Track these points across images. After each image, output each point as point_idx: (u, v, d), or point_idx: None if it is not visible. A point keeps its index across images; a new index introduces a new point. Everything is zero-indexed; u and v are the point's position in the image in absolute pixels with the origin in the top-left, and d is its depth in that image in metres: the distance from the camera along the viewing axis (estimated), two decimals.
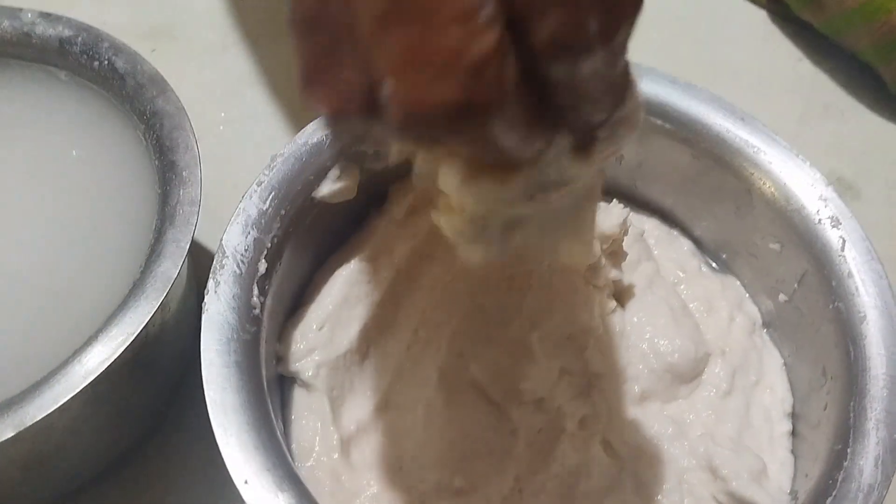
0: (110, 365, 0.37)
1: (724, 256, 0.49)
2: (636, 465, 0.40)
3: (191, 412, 0.48)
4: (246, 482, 0.34)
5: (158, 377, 0.46)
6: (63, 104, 0.47)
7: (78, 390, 0.36)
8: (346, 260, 0.46)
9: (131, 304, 0.38)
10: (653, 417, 0.42)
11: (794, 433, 0.43)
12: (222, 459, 0.35)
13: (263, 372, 0.39)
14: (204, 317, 0.38)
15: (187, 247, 0.40)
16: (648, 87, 0.46)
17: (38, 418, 0.35)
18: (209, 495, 0.46)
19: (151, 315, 0.38)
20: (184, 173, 0.42)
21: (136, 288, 0.39)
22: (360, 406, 0.44)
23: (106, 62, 0.46)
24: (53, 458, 0.42)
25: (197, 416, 0.46)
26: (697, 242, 0.50)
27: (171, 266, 0.39)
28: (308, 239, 0.44)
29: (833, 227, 0.42)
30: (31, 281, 0.42)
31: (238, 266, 0.40)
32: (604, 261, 0.42)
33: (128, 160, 0.45)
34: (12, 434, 0.35)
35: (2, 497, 0.43)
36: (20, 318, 0.41)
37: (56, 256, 0.43)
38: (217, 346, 0.38)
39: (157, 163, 0.43)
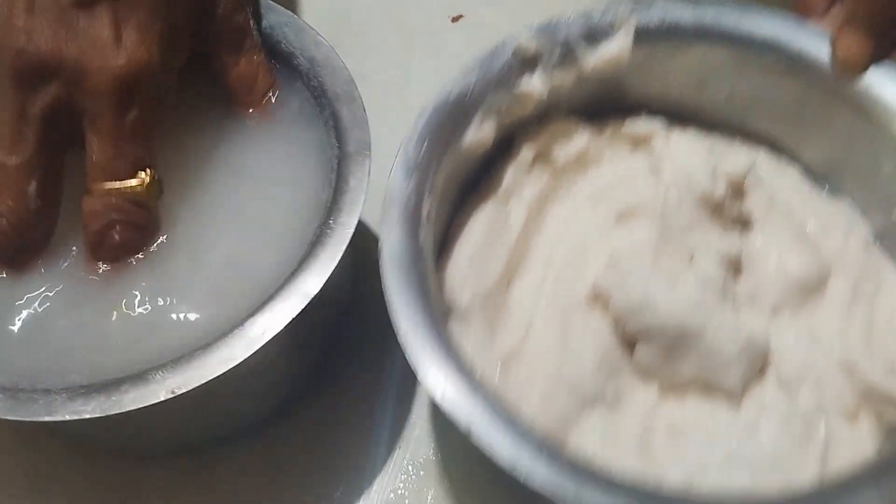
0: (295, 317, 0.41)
1: (833, 179, 0.52)
2: (776, 367, 0.44)
3: (339, 380, 0.52)
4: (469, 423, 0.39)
5: (315, 342, 0.52)
6: None
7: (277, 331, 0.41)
8: (481, 202, 0.50)
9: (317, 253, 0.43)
10: (785, 328, 0.45)
11: None
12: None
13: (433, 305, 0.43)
14: (384, 254, 0.42)
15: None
16: (763, 25, 0.49)
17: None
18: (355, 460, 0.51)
19: (336, 264, 0.43)
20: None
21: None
22: (509, 333, 0.47)
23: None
24: (229, 397, 0.46)
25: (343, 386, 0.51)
26: (807, 167, 0.52)
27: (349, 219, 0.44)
28: (452, 183, 0.48)
29: None
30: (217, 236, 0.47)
31: (405, 208, 0.44)
32: (727, 199, 0.46)
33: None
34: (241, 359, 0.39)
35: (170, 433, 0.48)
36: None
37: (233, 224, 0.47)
38: (398, 284, 0.41)
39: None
